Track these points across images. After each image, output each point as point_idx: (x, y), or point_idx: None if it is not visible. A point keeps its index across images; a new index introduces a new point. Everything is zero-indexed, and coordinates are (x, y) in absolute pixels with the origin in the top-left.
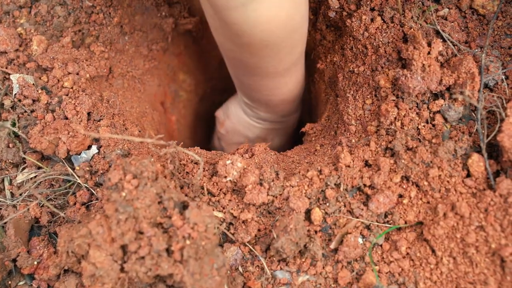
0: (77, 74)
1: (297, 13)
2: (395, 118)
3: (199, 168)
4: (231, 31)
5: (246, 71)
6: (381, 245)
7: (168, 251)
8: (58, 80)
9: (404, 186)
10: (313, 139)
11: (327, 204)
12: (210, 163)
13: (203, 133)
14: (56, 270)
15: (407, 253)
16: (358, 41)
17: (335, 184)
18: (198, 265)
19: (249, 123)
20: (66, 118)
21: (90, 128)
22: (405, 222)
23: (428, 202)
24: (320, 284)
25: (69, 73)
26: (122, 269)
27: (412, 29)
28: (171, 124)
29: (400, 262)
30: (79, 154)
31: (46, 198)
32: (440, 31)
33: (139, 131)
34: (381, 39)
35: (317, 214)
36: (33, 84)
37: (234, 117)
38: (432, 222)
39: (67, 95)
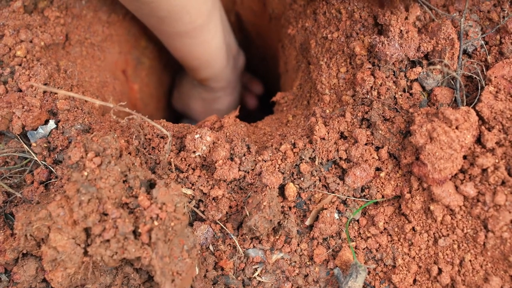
0: (31, 42)
1: None
2: (371, 87)
3: (166, 143)
4: None
5: (149, 26)
6: (357, 221)
7: (135, 233)
8: (10, 49)
9: (381, 159)
10: (285, 108)
11: (302, 179)
12: (178, 136)
13: (168, 102)
14: (13, 254)
15: (385, 228)
16: (331, 5)
17: (309, 158)
18: (167, 248)
19: (191, 89)
20: (20, 91)
21: (47, 101)
22: (383, 196)
23: (406, 175)
24: (295, 262)
25: (22, 41)
26: (85, 253)
27: None
28: (134, 93)
29: (378, 238)
30: (36, 130)
31: (1, 177)
32: None
33: None
34: (356, 4)
35: (291, 189)
36: None
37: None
38: (410, 196)
39: (20, 65)
